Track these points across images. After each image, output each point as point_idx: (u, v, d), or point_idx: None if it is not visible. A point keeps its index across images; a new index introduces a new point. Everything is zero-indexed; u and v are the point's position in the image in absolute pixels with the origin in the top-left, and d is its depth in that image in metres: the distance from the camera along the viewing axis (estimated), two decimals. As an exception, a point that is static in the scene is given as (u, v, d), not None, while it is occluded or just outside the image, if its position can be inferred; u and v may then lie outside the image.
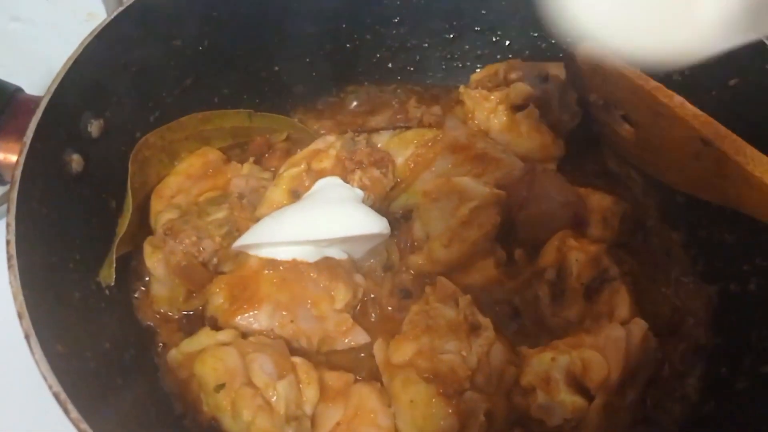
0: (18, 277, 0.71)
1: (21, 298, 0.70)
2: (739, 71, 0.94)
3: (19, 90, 0.89)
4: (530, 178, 0.98)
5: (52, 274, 0.78)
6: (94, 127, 0.88)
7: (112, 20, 0.89)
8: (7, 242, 0.72)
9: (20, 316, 0.69)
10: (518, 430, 0.84)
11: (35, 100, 0.84)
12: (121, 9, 0.91)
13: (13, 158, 0.82)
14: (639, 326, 0.84)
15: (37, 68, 1.27)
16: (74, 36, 1.00)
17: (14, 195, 0.75)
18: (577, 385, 0.82)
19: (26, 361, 0.69)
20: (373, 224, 0.88)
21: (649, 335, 0.85)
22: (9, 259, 0.71)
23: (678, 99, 0.86)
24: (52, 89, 0.82)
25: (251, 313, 0.86)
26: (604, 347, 0.83)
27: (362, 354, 0.91)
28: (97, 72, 0.88)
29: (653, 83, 0.88)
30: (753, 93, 0.93)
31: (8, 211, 0.74)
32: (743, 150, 0.80)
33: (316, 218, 0.88)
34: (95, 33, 0.88)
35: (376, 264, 0.96)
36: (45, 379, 0.66)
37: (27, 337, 0.68)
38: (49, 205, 0.80)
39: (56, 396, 0.65)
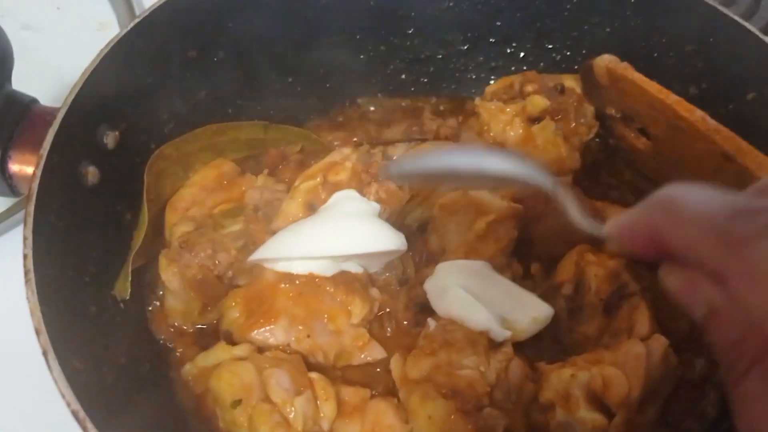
0: (35, 292, 0.70)
1: (38, 313, 0.69)
2: (757, 85, 0.94)
3: (34, 101, 0.89)
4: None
5: (68, 289, 0.77)
6: (110, 139, 0.87)
7: (128, 32, 0.89)
8: (24, 256, 0.72)
9: (38, 332, 0.68)
10: (537, 448, 0.83)
11: (51, 112, 0.84)
12: (136, 20, 0.91)
13: (29, 170, 0.82)
14: (659, 342, 0.83)
15: (48, 77, 1.27)
16: (86, 45, 0.99)
17: (31, 208, 0.74)
18: (597, 402, 0.81)
19: (40, 378, 0.68)
20: (391, 240, 0.88)
21: (669, 352, 0.84)
22: (26, 273, 0.71)
23: (699, 113, 0.85)
24: (69, 101, 0.81)
25: (267, 328, 0.85)
26: (624, 364, 0.81)
27: (378, 369, 0.89)
28: (113, 83, 0.88)
29: (674, 97, 0.87)
30: (771, 108, 0.92)
31: (25, 224, 0.73)
32: (766, 166, 0.80)
33: (334, 234, 0.87)
34: (111, 44, 0.87)
35: (391, 277, 0.95)
36: (63, 396, 0.65)
37: (45, 353, 0.67)
38: (65, 218, 0.79)
39: (75, 414, 0.64)
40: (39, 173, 0.76)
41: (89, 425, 0.64)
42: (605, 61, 0.97)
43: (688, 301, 0.47)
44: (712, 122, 0.84)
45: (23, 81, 0.93)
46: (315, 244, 0.86)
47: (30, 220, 0.73)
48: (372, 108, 1.17)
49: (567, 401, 0.81)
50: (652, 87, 0.89)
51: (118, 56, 0.87)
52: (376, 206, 0.93)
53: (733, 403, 0.49)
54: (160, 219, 0.95)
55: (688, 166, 0.93)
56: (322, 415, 0.80)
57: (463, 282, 0.87)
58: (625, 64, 0.96)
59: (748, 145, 0.83)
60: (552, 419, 0.82)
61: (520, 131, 1.04)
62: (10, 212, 1.12)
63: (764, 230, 0.42)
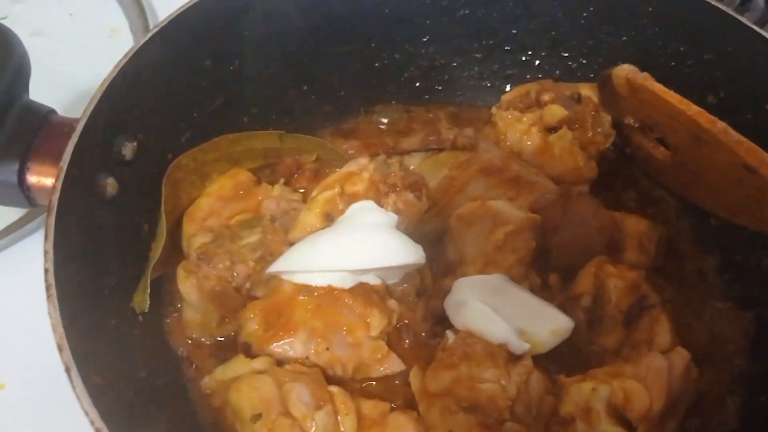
0: (57, 307, 0.69)
1: (61, 329, 0.68)
2: (775, 95, 0.93)
3: (52, 112, 0.88)
4: (564, 201, 0.96)
5: (88, 302, 0.77)
6: (128, 150, 0.87)
7: (145, 42, 0.89)
8: (46, 270, 0.71)
9: (60, 348, 0.67)
10: (558, 461, 0.82)
11: (69, 123, 0.83)
12: (153, 31, 0.90)
13: (48, 182, 0.81)
14: (681, 356, 0.83)
15: (60, 83, 1.27)
16: (97, 52, 0.99)
17: (52, 221, 0.74)
18: (618, 415, 0.81)
19: (60, 394, 0.68)
20: (410, 254, 0.87)
21: (690, 365, 0.83)
22: (48, 288, 0.70)
23: (721, 125, 0.84)
24: (88, 112, 0.81)
25: (286, 341, 0.85)
26: (646, 377, 0.81)
27: (397, 381, 0.89)
28: (131, 94, 0.87)
29: (695, 108, 0.87)
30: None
31: (46, 238, 0.73)
32: (789, 178, 0.79)
33: (353, 247, 0.86)
34: (128, 55, 0.87)
35: (409, 288, 0.94)
36: (87, 414, 0.64)
37: (67, 369, 0.66)
38: (84, 231, 0.79)
39: (98, 432, 0.64)
40: (59, 186, 0.76)
41: (113, 442, 0.64)
42: (624, 71, 0.96)
43: None
44: (734, 134, 0.84)
45: (34, 87, 0.93)
46: (334, 258, 0.86)
47: (51, 233, 0.73)
48: (386, 116, 1.17)
49: (588, 415, 0.81)
50: (673, 98, 0.89)
51: (135, 67, 0.87)
52: (394, 217, 0.92)
53: None
54: (177, 230, 0.95)
55: (708, 177, 0.92)
56: (342, 429, 0.79)
57: (481, 296, 0.87)
58: (645, 74, 0.95)
59: (771, 157, 0.82)
60: (573, 433, 0.81)
61: (537, 141, 1.03)
62: (22, 222, 1.11)
63: None
